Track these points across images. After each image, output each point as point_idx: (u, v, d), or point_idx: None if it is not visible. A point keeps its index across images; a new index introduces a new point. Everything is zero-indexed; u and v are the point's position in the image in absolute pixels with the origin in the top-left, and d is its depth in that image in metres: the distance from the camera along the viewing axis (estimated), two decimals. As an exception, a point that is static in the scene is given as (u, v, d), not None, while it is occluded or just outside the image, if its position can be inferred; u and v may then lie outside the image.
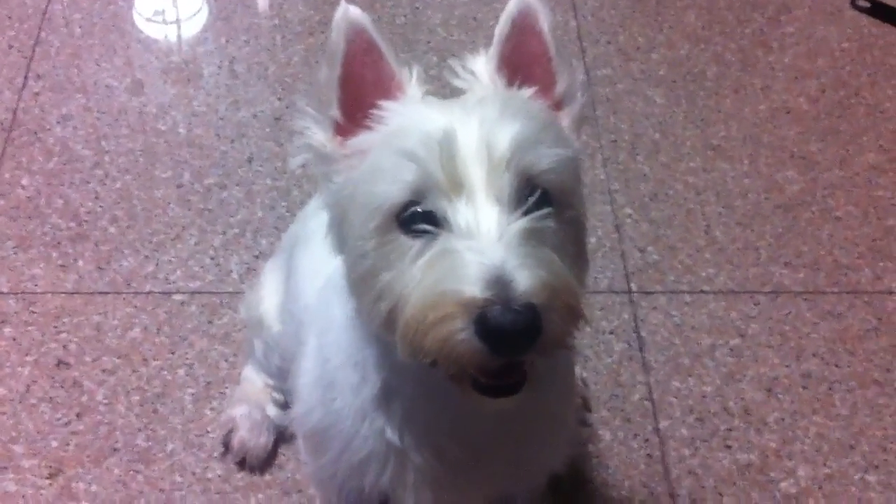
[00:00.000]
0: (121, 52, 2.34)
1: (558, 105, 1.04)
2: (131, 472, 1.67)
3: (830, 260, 2.04)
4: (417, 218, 0.94)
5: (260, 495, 1.66)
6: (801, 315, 1.95)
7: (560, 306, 0.89)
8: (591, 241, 2.02)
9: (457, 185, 0.92)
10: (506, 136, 0.93)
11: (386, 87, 1.02)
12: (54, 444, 1.70)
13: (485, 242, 0.89)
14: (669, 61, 2.41)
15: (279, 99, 2.26)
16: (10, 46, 2.33)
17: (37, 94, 2.23)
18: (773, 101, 2.34)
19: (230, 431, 1.68)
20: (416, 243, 0.94)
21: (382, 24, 2.38)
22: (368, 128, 1.01)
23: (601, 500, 1.69)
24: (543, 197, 0.94)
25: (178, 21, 2.43)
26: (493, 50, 1.02)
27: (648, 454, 1.74)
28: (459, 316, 0.87)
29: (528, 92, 1.02)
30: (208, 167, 2.12)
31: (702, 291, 1.98)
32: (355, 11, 0.99)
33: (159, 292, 1.91)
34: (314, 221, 1.48)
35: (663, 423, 1.78)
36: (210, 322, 1.87)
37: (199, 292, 1.91)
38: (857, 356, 1.89)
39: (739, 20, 2.52)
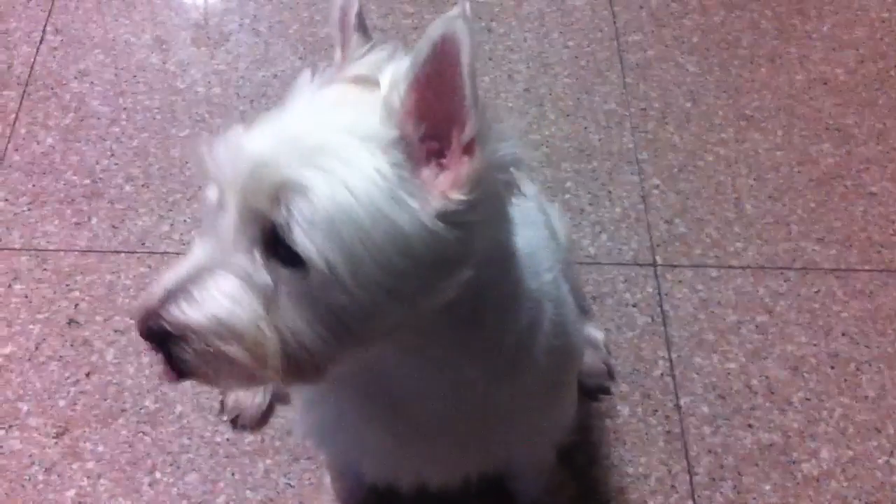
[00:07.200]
0: (141, 7, 2.30)
1: (467, 149, 0.86)
2: (139, 434, 1.65)
3: (864, 237, 1.97)
4: None
5: (268, 461, 1.63)
6: (832, 293, 1.88)
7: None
8: (616, 211, 1.97)
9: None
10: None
11: None
12: (62, 403, 1.68)
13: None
14: (703, 28, 2.34)
15: (301, 59, 2.21)
16: (29, 0, 2.29)
17: (55, 48, 2.20)
18: (809, 72, 2.26)
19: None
20: None
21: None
22: None
23: (616, 476, 1.65)
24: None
25: (201, -23, 2.39)
26: (409, 71, 0.85)
27: (668, 431, 1.69)
28: None
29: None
30: (227, 127, 2.07)
31: (729, 266, 1.92)
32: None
33: (174, 253, 1.88)
34: None
35: (684, 400, 1.73)
36: (224, 284, 1.83)
37: (214, 254, 1.88)
38: (888, 336, 1.82)
39: (777, -13, 2.44)
